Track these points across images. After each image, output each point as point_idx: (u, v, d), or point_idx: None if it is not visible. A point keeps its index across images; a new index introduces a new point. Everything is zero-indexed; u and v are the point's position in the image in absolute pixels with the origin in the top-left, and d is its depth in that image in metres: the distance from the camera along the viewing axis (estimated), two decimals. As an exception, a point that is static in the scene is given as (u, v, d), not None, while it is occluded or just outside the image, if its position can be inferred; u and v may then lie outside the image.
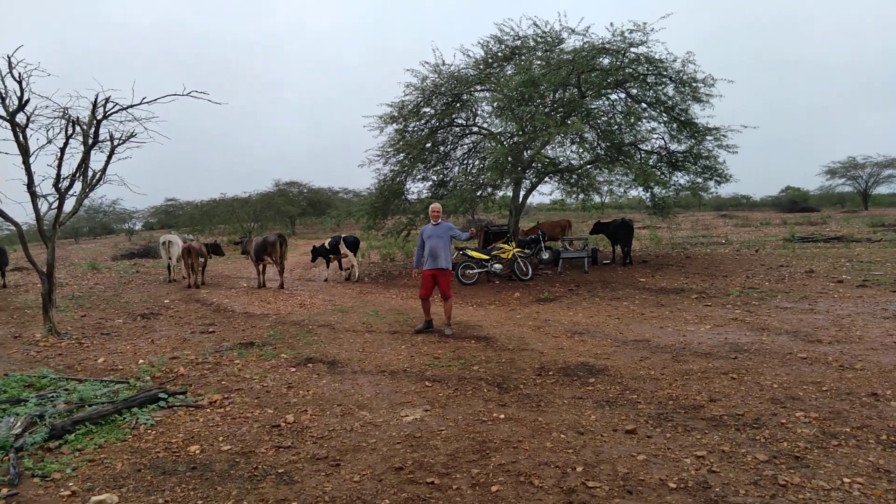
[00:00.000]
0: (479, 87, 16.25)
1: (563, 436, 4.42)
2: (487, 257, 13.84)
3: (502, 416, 4.93)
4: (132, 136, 9.50)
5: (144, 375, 6.45)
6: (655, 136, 16.06)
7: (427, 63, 16.17)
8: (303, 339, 8.25)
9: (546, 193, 24.10)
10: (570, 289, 12.47)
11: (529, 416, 4.91)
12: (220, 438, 4.64)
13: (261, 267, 14.81)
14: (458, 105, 16.51)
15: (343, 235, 16.05)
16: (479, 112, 17.16)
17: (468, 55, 16.12)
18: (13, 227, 9.39)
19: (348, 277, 16.13)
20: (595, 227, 16.57)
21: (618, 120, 15.90)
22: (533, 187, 16.95)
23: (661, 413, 4.85)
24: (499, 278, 14.10)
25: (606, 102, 15.99)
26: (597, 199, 17.96)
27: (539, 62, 14.81)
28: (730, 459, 3.90)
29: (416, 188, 17.76)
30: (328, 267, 16.34)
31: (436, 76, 16.21)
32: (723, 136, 15.19)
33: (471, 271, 13.82)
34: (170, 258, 16.16)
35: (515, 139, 15.23)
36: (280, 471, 3.99)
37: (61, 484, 3.91)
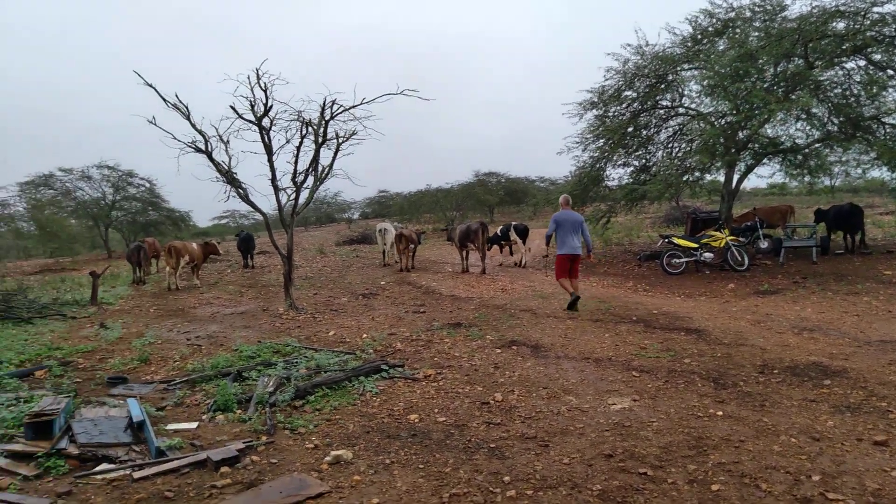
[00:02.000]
0: (686, 66, 15.23)
1: (793, 440, 4.03)
2: (696, 245, 12.97)
3: (720, 413, 4.63)
4: (354, 133, 10.50)
5: (368, 348, 7.14)
6: (905, 107, 13.69)
7: (629, 45, 15.54)
8: (506, 323, 8.48)
9: (765, 176, 21.81)
10: (796, 281, 11.23)
11: (752, 415, 4.55)
12: (436, 410, 4.98)
13: (464, 253, 15.47)
14: (662, 86, 15.65)
15: (513, 223, 16.23)
16: (685, 92, 16.10)
17: (674, 33, 15.16)
18: (259, 216, 10.92)
19: (519, 264, 16.29)
20: (816, 216, 14.64)
21: (855, 91, 13.85)
22: (748, 170, 15.49)
23: (919, 425, 4.19)
24: (709, 268, 13.15)
25: (840, 72, 14.01)
26: (826, 181, 15.93)
27: (757, 34, 13.44)
28: None
29: (617, 174, 17.22)
30: (506, 252, 16.68)
31: (638, 58, 15.53)
32: None
33: (677, 260, 13.09)
34: (384, 244, 17.55)
35: (728, 119, 14.04)
36: (491, 445, 4.18)
37: (306, 437, 4.49)
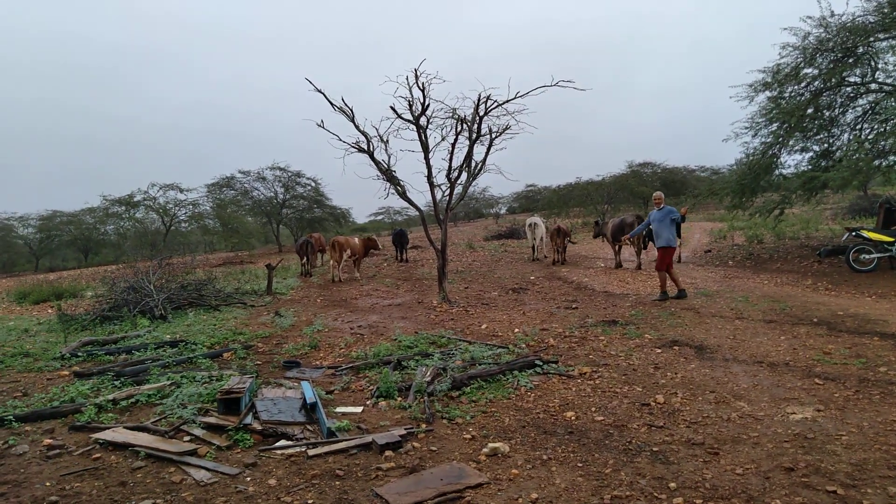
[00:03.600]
0: (881, 36, 13.40)
1: None
2: (891, 239, 11.43)
3: (928, 430, 4.04)
4: (507, 128, 10.53)
5: (520, 343, 7.13)
6: None
7: (809, 18, 13.99)
8: (666, 321, 8.06)
9: None
10: None
11: (970, 435, 3.92)
12: (593, 409, 4.85)
13: (617, 248, 14.96)
14: (850, 61, 13.90)
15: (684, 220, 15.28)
16: (880, 66, 14.18)
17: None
18: (413, 212, 11.35)
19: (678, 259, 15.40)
20: None
21: None
22: (960, 151, 13.32)
23: None
24: (908, 265, 11.54)
25: None
26: None
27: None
28: None
29: (793, 160, 15.61)
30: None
31: (821, 30, 13.92)
32: None
33: (867, 256, 11.62)
34: (534, 239, 17.45)
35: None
36: (654, 449, 3.98)
37: (463, 428, 4.57)
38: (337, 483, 3.65)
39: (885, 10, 12.92)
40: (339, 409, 5.08)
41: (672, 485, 3.46)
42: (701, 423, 4.42)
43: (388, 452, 4.06)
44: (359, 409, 5.09)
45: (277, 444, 4.30)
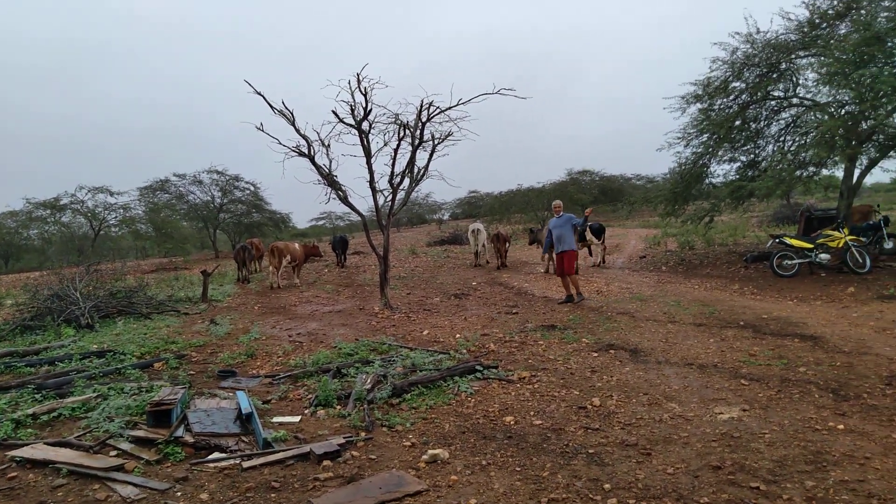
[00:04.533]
0: (801, 54, 14.21)
1: (930, 460, 3.65)
2: (811, 246, 12.09)
3: (841, 426, 4.27)
4: (449, 135, 10.59)
5: (461, 348, 7.16)
6: None
7: (738, 34, 14.69)
8: (602, 326, 8.26)
9: (892, 170, 19.32)
10: (927, 285, 10.21)
11: (879, 430, 4.17)
12: (532, 413, 4.91)
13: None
14: (774, 76, 14.69)
15: (588, 223, 15.93)
16: (800, 82, 15.03)
17: (788, 18, 14.17)
18: (354, 217, 11.25)
19: (598, 264, 16.46)
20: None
21: None
22: (872, 164, 14.25)
23: None
24: (825, 270, 12.22)
25: None
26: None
27: (887, 13, 12.31)
28: None
29: (722, 170, 16.37)
30: (591, 253, 16.55)
31: (748, 46, 14.66)
32: None
33: (789, 262, 12.24)
34: (477, 245, 17.59)
35: (849, 108, 12.98)
36: (590, 451, 4.06)
37: (403, 435, 4.55)
38: (272, 495, 3.57)
39: (805, 30, 13.70)
40: (277, 419, 4.97)
41: (607, 486, 3.53)
42: (634, 424, 4.54)
43: (326, 462, 3.99)
44: (297, 419, 4.99)
45: (210, 456, 4.16)
